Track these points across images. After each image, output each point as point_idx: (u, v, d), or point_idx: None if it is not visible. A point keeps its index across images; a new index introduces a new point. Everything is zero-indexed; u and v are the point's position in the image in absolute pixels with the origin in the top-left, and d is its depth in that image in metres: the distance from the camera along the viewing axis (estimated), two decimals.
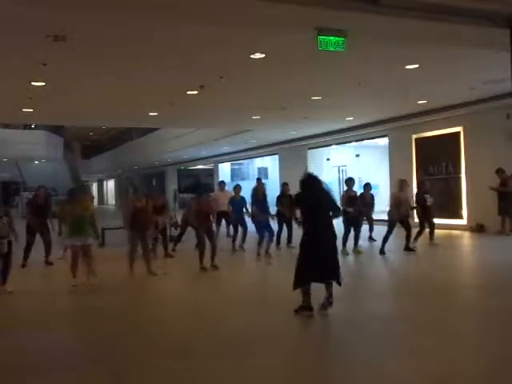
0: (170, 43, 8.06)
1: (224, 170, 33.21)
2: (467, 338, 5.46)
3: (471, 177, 14.97)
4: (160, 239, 11.43)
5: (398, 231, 11.33)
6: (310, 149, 22.79)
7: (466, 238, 14.20)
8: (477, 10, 6.97)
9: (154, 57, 8.83)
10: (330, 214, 6.29)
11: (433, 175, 16.11)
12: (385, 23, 7.04)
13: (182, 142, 25.73)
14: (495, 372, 4.38)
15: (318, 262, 6.04)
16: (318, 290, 6.17)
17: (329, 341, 5.54)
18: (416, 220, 12.53)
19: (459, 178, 15.43)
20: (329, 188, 6.58)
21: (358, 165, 22.08)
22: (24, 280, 8.94)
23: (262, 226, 11.38)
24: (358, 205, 11.50)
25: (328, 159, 23.40)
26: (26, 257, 10.41)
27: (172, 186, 37.74)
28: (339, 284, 6.19)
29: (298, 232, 6.66)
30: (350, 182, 11.88)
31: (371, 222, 13.17)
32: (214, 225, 10.31)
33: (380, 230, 12.08)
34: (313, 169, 22.08)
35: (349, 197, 11.48)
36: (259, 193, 11.78)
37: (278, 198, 12.57)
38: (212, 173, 35.03)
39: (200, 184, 35.75)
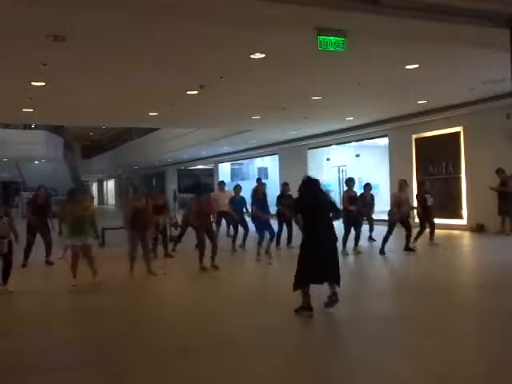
0: (170, 43, 8.06)
1: (224, 170, 33.20)
2: (467, 338, 5.46)
3: (471, 177, 14.97)
4: (160, 239, 11.44)
5: (398, 231, 11.34)
6: (310, 149, 22.79)
7: (466, 238, 14.20)
8: (477, 10, 6.97)
9: (154, 57, 8.83)
10: (331, 215, 6.32)
11: (433, 175, 16.11)
12: (385, 23, 7.04)
13: (181, 142, 25.73)
14: (495, 372, 4.38)
15: (317, 264, 6.05)
16: (320, 289, 6.19)
17: (329, 341, 5.53)
18: (416, 220, 12.54)
19: (459, 178, 15.43)
20: (328, 190, 6.64)
21: (358, 165, 22.07)
22: (24, 280, 8.94)
23: (262, 226, 11.38)
24: (358, 205, 11.52)
25: (328, 159, 23.39)
26: (26, 257, 10.42)
27: (172, 186, 37.75)
28: (338, 284, 6.20)
29: (298, 232, 6.66)
30: (350, 182, 11.90)
31: (371, 222, 13.18)
32: (214, 225, 10.30)
33: (380, 230, 12.08)
34: (313, 169, 22.19)
35: (349, 197, 11.49)
36: (259, 193, 11.78)
37: (278, 197, 12.59)
38: (212, 173, 35.03)
39: (200, 184, 35.76)
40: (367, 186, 12.68)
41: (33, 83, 10.34)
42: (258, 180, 13.28)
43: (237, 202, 12.49)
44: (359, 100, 13.57)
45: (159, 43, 8.04)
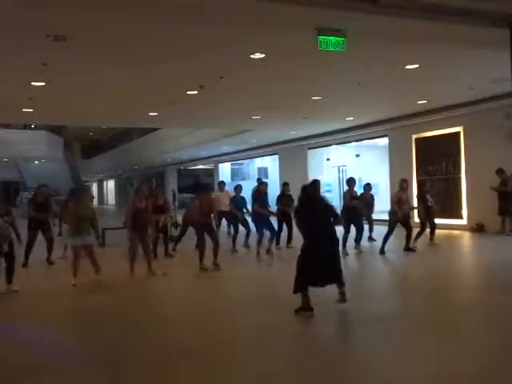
0: (169, 43, 8.06)
1: (224, 170, 33.19)
2: (467, 338, 5.46)
3: (471, 177, 14.96)
4: (161, 239, 11.45)
5: (398, 231, 11.33)
6: (310, 149, 22.78)
7: (466, 238, 14.20)
8: (477, 10, 6.96)
9: (154, 57, 8.83)
10: (331, 220, 6.37)
11: (433, 175, 16.11)
12: (385, 23, 7.04)
13: (181, 142, 25.73)
14: (495, 372, 4.38)
15: (317, 268, 6.09)
16: (320, 290, 6.20)
17: (329, 341, 5.54)
18: (417, 220, 12.53)
19: (459, 178, 15.43)
20: (326, 198, 6.82)
21: (358, 165, 22.07)
22: (24, 280, 8.92)
23: (263, 225, 11.40)
24: (360, 204, 11.54)
25: (328, 159, 23.38)
26: (26, 256, 10.41)
27: (172, 186, 37.73)
28: (343, 285, 6.28)
29: (298, 232, 6.67)
30: (351, 181, 11.93)
31: (371, 222, 13.19)
32: (214, 224, 10.30)
33: (380, 230, 12.09)
34: (313, 169, 22.21)
35: (351, 196, 11.53)
36: (261, 192, 11.82)
37: (279, 197, 12.59)
38: (212, 173, 35.03)
39: (200, 184, 35.76)
40: (367, 186, 12.69)
41: (33, 83, 10.34)
42: (259, 180, 13.30)
43: (238, 201, 12.53)
44: (359, 100, 13.57)
45: (159, 43, 8.04)
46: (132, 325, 6.21)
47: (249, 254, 11.80)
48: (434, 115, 15.43)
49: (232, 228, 13.25)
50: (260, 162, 30.52)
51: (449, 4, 6.80)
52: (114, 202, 52.45)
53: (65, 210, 11.52)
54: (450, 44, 8.31)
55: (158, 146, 29.00)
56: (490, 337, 5.37)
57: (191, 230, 11.16)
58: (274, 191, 15.53)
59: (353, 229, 11.43)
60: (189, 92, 11.80)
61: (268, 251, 11.26)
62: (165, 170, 40.84)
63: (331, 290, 6.41)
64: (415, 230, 11.52)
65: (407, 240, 11.23)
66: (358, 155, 22.71)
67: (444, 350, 4.88)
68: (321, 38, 7.11)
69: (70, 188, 16.29)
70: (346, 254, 10.86)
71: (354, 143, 21.22)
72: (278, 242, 12.30)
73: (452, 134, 15.57)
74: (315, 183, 6.81)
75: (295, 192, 6.78)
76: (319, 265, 6.08)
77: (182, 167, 39.36)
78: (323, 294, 6.41)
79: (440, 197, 14.52)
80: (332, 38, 7.14)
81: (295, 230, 10.51)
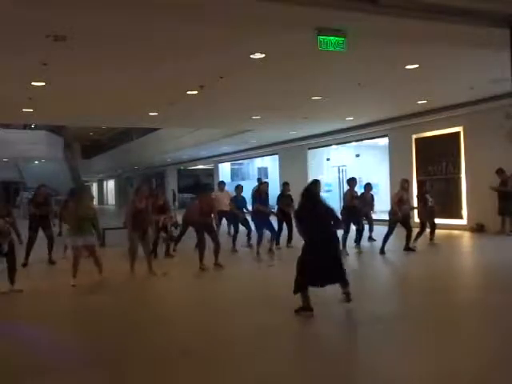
0: (169, 43, 8.06)
1: (224, 170, 33.19)
2: (467, 338, 5.46)
3: (471, 177, 14.96)
4: (163, 238, 11.46)
5: (398, 231, 11.33)
6: (310, 149, 22.78)
7: (466, 238, 14.20)
8: (477, 10, 6.97)
9: (154, 57, 8.83)
10: (332, 222, 6.37)
11: (433, 175, 16.11)
12: (385, 23, 7.04)
13: (181, 142, 25.73)
14: (495, 372, 4.38)
15: (317, 269, 6.09)
16: (320, 290, 6.19)
17: (329, 341, 5.54)
18: (417, 220, 12.53)
19: (459, 178, 15.43)
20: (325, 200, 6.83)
21: (358, 165, 22.07)
22: (25, 279, 8.92)
23: (263, 224, 11.40)
24: (360, 204, 11.55)
25: (328, 159, 23.39)
26: (27, 255, 10.41)
27: (172, 185, 37.74)
28: (347, 284, 6.31)
29: (297, 232, 6.68)
30: (352, 181, 11.94)
31: (371, 222, 13.19)
32: (214, 224, 10.30)
33: (380, 230, 12.09)
34: (313, 169, 22.20)
35: (351, 196, 11.54)
36: (262, 192, 11.83)
37: (279, 197, 12.60)
38: (212, 173, 35.03)
39: (200, 184, 35.75)
40: (367, 186, 12.69)
41: (33, 83, 10.35)
42: (260, 180, 13.32)
43: (238, 201, 12.54)
44: (359, 100, 13.57)
45: (159, 43, 8.04)
46: (132, 325, 6.20)
47: (249, 254, 11.80)
48: (433, 115, 15.43)
49: (232, 228, 13.25)
50: (260, 162, 30.52)
51: (449, 4, 6.80)
52: (113, 202, 52.44)
53: (65, 209, 11.54)
54: (450, 44, 8.31)
55: (157, 145, 29.00)
56: (489, 337, 5.37)
57: (190, 231, 11.16)
58: (274, 191, 15.53)
59: (353, 229, 11.44)
60: (189, 92, 11.80)
61: (269, 251, 11.27)
62: (165, 170, 40.86)
63: (331, 290, 6.42)
64: (415, 230, 11.53)
65: (407, 240, 11.23)
66: (358, 155, 22.71)
67: (444, 349, 4.88)
68: (321, 38, 7.11)
69: (70, 188, 16.28)
70: (345, 254, 10.85)
71: (354, 143, 21.22)
72: (277, 242, 12.30)
73: (452, 134, 15.56)
74: (316, 183, 6.79)
75: (295, 192, 6.78)
76: (319, 265, 6.07)
77: (181, 167, 39.36)
78: (323, 294, 6.41)
79: (440, 197, 14.52)
80: (332, 37, 7.14)
81: (295, 229, 10.57)
